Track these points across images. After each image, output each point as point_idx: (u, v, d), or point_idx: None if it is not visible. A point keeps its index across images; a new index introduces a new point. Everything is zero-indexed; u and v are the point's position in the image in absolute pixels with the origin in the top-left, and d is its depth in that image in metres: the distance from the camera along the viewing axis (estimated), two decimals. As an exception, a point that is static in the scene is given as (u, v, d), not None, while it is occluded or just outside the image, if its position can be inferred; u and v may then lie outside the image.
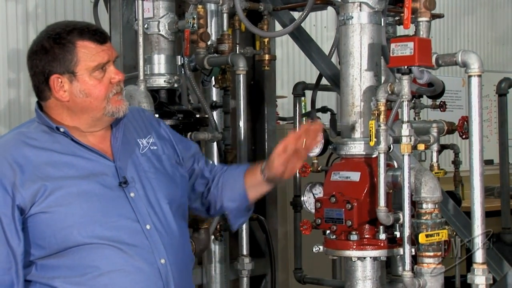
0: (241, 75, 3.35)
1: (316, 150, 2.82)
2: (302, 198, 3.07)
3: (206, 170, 2.57)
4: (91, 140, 2.28)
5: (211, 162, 2.64)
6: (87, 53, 2.21)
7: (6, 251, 2.15)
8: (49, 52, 2.21)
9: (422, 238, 2.40)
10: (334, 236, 2.57)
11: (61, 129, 2.24)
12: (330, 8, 3.77)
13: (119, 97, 2.27)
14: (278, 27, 3.95)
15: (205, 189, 2.56)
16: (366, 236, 2.56)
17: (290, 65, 6.56)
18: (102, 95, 2.24)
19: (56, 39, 2.21)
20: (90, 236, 2.17)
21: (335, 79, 3.48)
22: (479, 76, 2.42)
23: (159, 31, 3.40)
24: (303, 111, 4.93)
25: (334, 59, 3.66)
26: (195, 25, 3.32)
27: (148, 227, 2.25)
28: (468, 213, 2.49)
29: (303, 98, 4.06)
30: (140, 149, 2.36)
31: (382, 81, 2.68)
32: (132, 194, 2.26)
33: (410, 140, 2.44)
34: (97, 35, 2.23)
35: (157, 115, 3.19)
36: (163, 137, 2.47)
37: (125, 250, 2.20)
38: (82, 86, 2.22)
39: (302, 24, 3.39)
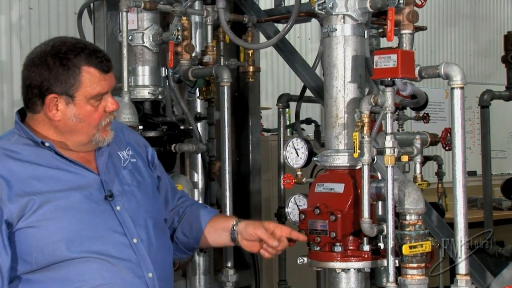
0: (225, 87, 3.35)
1: (300, 162, 2.83)
2: (286, 210, 3.07)
3: (174, 199, 2.57)
4: (76, 154, 2.26)
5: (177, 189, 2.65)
6: (90, 80, 2.18)
7: None
8: (52, 71, 2.17)
9: (405, 250, 2.41)
10: (318, 248, 2.57)
11: (47, 144, 2.22)
12: (314, 20, 3.79)
13: (107, 128, 2.26)
14: (262, 39, 3.96)
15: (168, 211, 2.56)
16: (350, 247, 2.56)
17: (274, 77, 6.57)
18: (95, 123, 2.22)
19: (62, 59, 2.17)
20: (79, 250, 2.16)
21: (319, 91, 3.49)
22: (462, 88, 2.44)
23: (144, 42, 3.40)
24: (288, 123, 4.96)
25: (318, 71, 3.68)
26: (179, 36, 3.32)
27: (135, 240, 2.24)
28: (452, 224, 2.50)
29: (287, 109, 4.08)
30: (122, 162, 2.36)
31: (366, 93, 2.69)
32: (118, 208, 2.25)
33: (394, 152, 2.45)
34: (103, 64, 2.21)
35: (141, 127, 3.19)
36: (140, 149, 2.47)
37: (113, 264, 2.19)
38: (78, 111, 2.20)
39: (287, 36, 3.40)
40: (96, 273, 2.17)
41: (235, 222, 2.50)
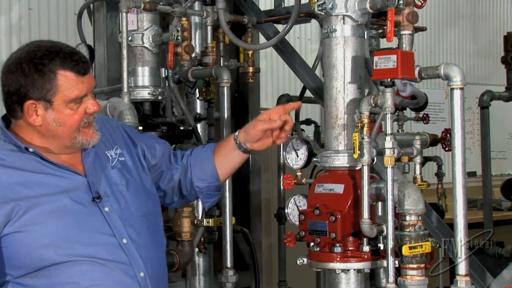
0: (225, 88, 3.35)
1: (300, 163, 2.82)
2: (286, 211, 3.07)
3: (177, 162, 2.55)
4: (61, 157, 2.25)
5: (178, 152, 2.62)
6: (66, 84, 2.16)
7: None
8: (28, 77, 2.15)
9: (405, 250, 2.41)
10: (318, 248, 2.57)
11: (30, 149, 2.21)
12: (314, 21, 3.79)
13: (90, 130, 2.24)
14: (262, 39, 3.96)
15: (181, 177, 2.55)
16: (350, 248, 2.56)
17: (274, 78, 6.57)
18: (75, 126, 2.20)
19: (37, 64, 2.14)
20: (67, 254, 2.15)
21: (318, 92, 3.49)
22: (462, 88, 2.44)
23: (143, 43, 3.40)
24: (287, 124, 4.94)
25: (318, 72, 3.68)
26: (179, 37, 3.32)
27: (124, 241, 2.23)
28: (452, 225, 2.50)
29: (287, 110, 4.07)
30: (110, 161, 2.34)
31: (366, 94, 2.69)
32: (106, 209, 2.24)
33: (394, 153, 2.45)
34: (79, 66, 2.17)
35: (141, 128, 3.19)
36: (128, 143, 2.45)
37: (103, 265, 2.18)
38: (57, 115, 2.18)
39: (286, 37, 3.41)
40: (86, 274, 2.16)
41: (235, 137, 2.50)
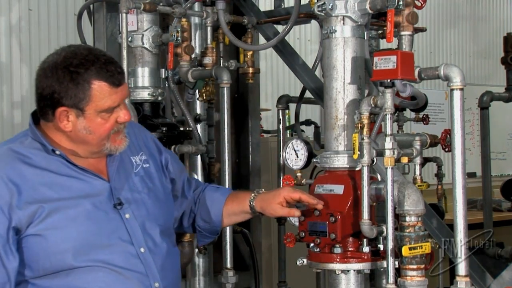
0: (225, 88, 3.35)
1: (300, 163, 2.83)
2: (286, 211, 3.06)
3: (189, 191, 2.58)
4: (87, 160, 2.25)
5: (193, 181, 2.65)
6: (100, 95, 2.15)
7: (1, 271, 2.12)
8: (62, 84, 2.14)
9: (405, 251, 2.41)
10: (317, 249, 2.57)
11: (57, 152, 2.21)
12: (313, 21, 3.79)
13: (119, 136, 2.24)
14: (262, 40, 3.96)
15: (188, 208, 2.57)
16: (350, 249, 2.56)
17: (274, 78, 6.57)
18: (105, 134, 2.21)
19: (72, 73, 2.13)
20: (85, 260, 2.16)
21: (318, 92, 3.49)
22: (461, 89, 2.44)
23: (143, 44, 3.40)
24: (287, 124, 4.95)
25: (318, 72, 3.68)
26: (179, 38, 3.32)
27: (142, 250, 2.24)
28: (451, 226, 2.50)
29: (287, 111, 4.07)
30: (134, 167, 2.35)
31: (365, 94, 2.69)
32: (127, 216, 2.24)
33: (393, 153, 2.45)
34: (114, 77, 2.16)
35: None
36: (153, 149, 2.46)
37: (120, 273, 2.19)
38: (88, 124, 2.18)
39: (286, 37, 3.41)
40: (101, 281, 2.17)
41: (252, 206, 2.52)
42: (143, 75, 3.42)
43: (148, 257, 2.24)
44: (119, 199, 2.24)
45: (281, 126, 3.83)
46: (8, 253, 2.12)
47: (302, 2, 3.28)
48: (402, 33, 2.50)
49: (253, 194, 2.54)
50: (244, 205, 2.54)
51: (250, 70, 3.80)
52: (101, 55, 2.19)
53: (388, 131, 2.45)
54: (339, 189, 2.57)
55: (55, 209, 2.15)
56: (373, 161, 2.47)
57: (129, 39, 3.31)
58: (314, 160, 2.75)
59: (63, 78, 2.14)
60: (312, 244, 2.58)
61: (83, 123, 2.18)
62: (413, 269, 2.43)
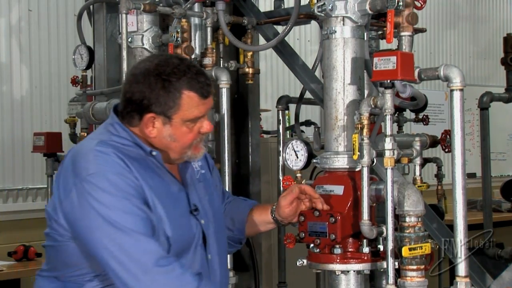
0: (225, 89, 3.35)
1: (300, 164, 2.82)
2: (286, 212, 3.06)
3: (224, 200, 2.62)
4: (166, 165, 2.28)
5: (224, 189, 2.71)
6: (189, 104, 2.18)
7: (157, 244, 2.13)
8: (153, 91, 2.17)
9: (405, 252, 2.41)
10: (317, 250, 2.57)
11: (154, 153, 2.23)
12: (313, 22, 3.79)
13: (200, 145, 2.28)
14: (262, 41, 3.96)
15: None
16: (350, 249, 2.56)
17: (274, 79, 6.58)
18: (188, 143, 2.24)
19: (164, 81, 2.16)
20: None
21: (318, 93, 3.49)
22: (461, 90, 2.44)
23: (143, 44, 3.40)
24: (287, 125, 4.95)
25: (317, 73, 3.68)
26: (179, 38, 3.32)
27: (209, 256, 2.28)
28: (451, 226, 2.50)
29: (287, 111, 4.07)
30: (196, 174, 2.38)
31: (365, 95, 2.69)
32: (203, 221, 2.29)
33: (393, 154, 2.45)
34: (204, 89, 2.20)
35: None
36: (203, 158, 2.46)
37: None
38: (173, 131, 2.21)
39: (286, 38, 3.41)
40: None
41: (274, 218, 2.56)
42: (143, 76, 3.41)
43: (215, 263, 2.30)
44: (195, 205, 2.28)
45: (281, 127, 3.83)
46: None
47: (302, 3, 3.29)
48: (402, 33, 2.50)
49: (276, 204, 2.57)
50: (266, 215, 2.57)
51: (250, 70, 3.79)
52: (192, 66, 2.23)
53: (388, 132, 2.45)
54: (339, 189, 2.57)
55: (153, 208, 2.18)
56: (373, 161, 2.47)
57: (129, 40, 3.31)
58: (314, 160, 2.75)
59: (155, 85, 2.17)
60: (312, 245, 2.58)
61: (168, 130, 2.21)
62: (413, 270, 2.43)
